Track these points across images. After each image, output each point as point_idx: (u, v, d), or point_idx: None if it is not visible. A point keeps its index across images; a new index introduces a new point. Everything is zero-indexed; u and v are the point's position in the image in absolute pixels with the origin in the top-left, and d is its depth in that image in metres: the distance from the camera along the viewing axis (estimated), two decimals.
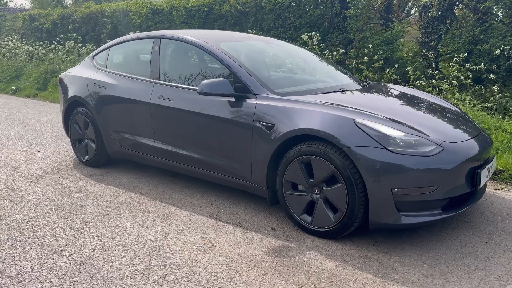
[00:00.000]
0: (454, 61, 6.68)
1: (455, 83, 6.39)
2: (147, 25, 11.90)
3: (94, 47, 12.01)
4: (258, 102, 3.33)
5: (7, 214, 3.59)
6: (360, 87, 3.94)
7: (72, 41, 12.24)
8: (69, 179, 4.46)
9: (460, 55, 6.67)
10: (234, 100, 3.46)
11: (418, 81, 6.97)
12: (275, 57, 4.29)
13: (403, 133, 2.88)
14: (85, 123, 4.76)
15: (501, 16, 7.21)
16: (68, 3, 35.24)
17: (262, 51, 4.25)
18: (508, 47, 6.57)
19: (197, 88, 3.69)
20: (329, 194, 2.97)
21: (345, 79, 4.10)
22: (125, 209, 3.69)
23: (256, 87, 3.41)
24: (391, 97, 3.87)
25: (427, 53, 7.62)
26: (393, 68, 7.70)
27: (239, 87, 3.46)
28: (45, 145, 5.81)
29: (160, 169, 4.66)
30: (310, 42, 8.03)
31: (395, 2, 8.74)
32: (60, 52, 11.51)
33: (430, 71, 7.19)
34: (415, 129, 2.98)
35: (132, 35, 4.64)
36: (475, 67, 6.71)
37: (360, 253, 2.91)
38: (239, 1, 9.88)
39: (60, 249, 3.01)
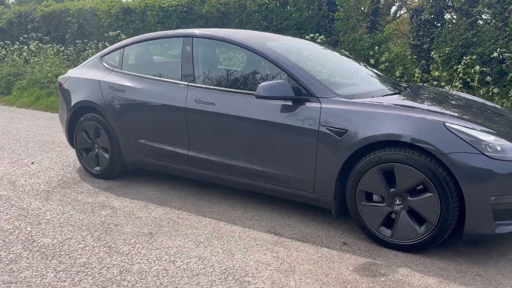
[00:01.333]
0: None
1: (458, 85, 6.44)
2: (117, 25, 11.25)
3: (63, 48, 11.20)
4: (323, 105, 3.06)
5: (30, 238, 3.10)
6: (409, 90, 3.78)
7: (37, 41, 11.33)
8: (84, 194, 3.97)
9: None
10: (291, 104, 3.18)
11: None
12: (313, 58, 4.04)
13: (493, 138, 2.73)
14: (97, 131, 4.28)
15: (488, 20, 7.39)
16: (10, 2, 33.06)
17: (306, 52, 3.98)
18: (503, 50, 6.72)
19: (244, 91, 3.41)
20: (416, 204, 2.77)
21: (384, 82, 3.92)
22: (167, 226, 3.30)
23: (318, 90, 3.15)
24: (450, 100, 3.69)
25: (419, 55, 7.68)
26: (382, 71, 7.69)
27: (296, 90, 3.18)
28: (36, 155, 5.22)
29: (185, 180, 4.28)
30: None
31: (381, 5, 8.79)
32: (25, 54, 10.61)
33: (419, 73, 7.24)
34: (496, 134, 2.84)
35: (151, 34, 4.22)
36: (470, 69, 6.82)
37: (453, 266, 2.72)
38: (221, 1, 9.54)
39: (117, 278, 2.59)
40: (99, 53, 4.57)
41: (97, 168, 4.37)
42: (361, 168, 2.90)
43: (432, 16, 7.66)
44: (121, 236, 3.13)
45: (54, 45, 11.22)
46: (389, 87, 3.65)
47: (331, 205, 3.12)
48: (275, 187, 3.36)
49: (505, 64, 6.73)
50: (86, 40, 11.08)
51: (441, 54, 7.44)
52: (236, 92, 3.48)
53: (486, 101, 3.93)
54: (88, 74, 4.41)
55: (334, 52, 4.42)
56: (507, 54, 6.74)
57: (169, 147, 3.83)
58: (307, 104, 3.13)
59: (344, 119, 2.96)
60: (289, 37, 4.45)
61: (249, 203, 3.74)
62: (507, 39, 6.85)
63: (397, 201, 2.84)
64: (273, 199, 3.77)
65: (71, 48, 11.03)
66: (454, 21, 7.39)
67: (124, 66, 4.24)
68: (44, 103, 8.74)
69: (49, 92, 9.12)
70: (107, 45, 9.45)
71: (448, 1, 7.43)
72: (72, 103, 4.39)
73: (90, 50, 10.46)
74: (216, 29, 4.19)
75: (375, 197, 2.94)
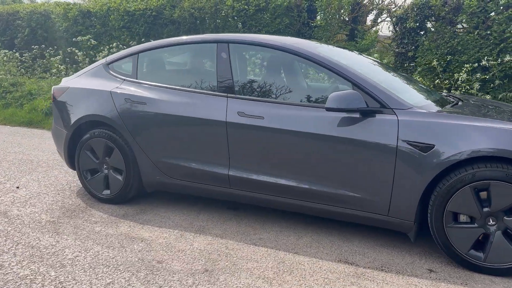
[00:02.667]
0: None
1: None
2: (76, 30, 10.41)
3: (17, 54, 10.14)
4: (401, 118, 2.77)
5: (60, 286, 2.52)
6: (457, 99, 3.59)
7: None
8: (99, 224, 3.40)
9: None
10: (358, 116, 2.86)
11: None
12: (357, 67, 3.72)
13: None
14: (107, 149, 3.70)
15: (469, 29, 7.54)
16: None
17: (348, 60, 3.67)
18: (490, 58, 6.85)
19: (298, 103, 3.06)
20: None
21: (429, 91, 3.70)
22: (221, 259, 2.84)
23: (391, 100, 2.85)
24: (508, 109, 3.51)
25: (403, 63, 7.70)
26: None
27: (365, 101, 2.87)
28: (18, 178, 4.50)
29: (210, 202, 3.82)
30: None
31: (361, 13, 8.75)
32: None
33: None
34: None
35: (172, 39, 3.72)
36: (457, 75, 6.90)
37: None
38: (194, 6, 9.07)
39: None
40: (102, 61, 3.99)
41: (107, 192, 3.79)
42: (451, 186, 2.63)
43: (417, 24, 7.70)
44: (173, 276, 2.63)
45: (6, 51, 10.15)
46: (443, 97, 3.44)
47: (409, 228, 2.83)
48: (336, 209, 3.01)
49: (491, 73, 6.85)
50: (43, 46, 10.12)
51: (427, 62, 7.49)
52: (289, 104, 3.10)
53: None
54: (92, 84, 3.83)
55: (368, 58, 4.13)
56: (492, 62, 6.88)
57: (203, 166, 3.36)
58: (378, 116, 2.83)
59: (430, 133, 2.68)
60: (323, 44, 4.12)
61: (296, 226, 3.37)
62: (491, 47, 7.00)
63: (491, 221, 2.60)
64: (331, 222, 3.43)
65: (26, 54, 10.01)
66: (438, 29, 7.46)
67: (140, 75, 3.71)
68: (2, 116, 7.78)
69: (6, 103, 8.15)
70: (76, 51, 8.63)
71: (433, 10, 7.50)
72: (75, 118, 3.78)
73: (50, 57, 9.54)
74: (250, 34, 3.78)
75: (462, 218, 2.69)
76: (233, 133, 3.19)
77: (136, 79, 3.70)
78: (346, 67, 3.02)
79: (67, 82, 4.04)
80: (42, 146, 5.94)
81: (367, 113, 2.85)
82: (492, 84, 6.89)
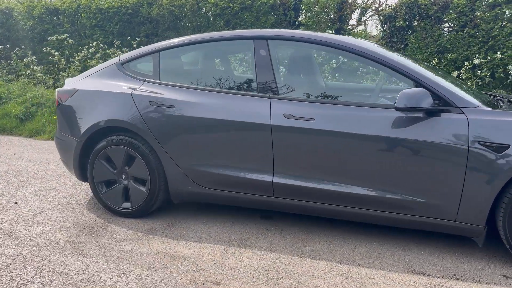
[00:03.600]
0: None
1: None
2: (42, 29, 9.72)
3: None
4: (470, 117, 2.61)
5: None
6: (502, 98, 3.51)
7: None
8: (128, 241, 3.04)
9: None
10: (422, 115, 2.69)
11: None
12: None
13: None
14: (127, 158, 3.34)
15: (455, 28, 7.64)
16: None
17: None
18: (480, 56, 6.96)
19: (352, 102, 2.85)
20: None
21: (474, 90, 3.59)
22: (282, 277, 2.57)
23: (458, 99, 2.69)
24: None
25: None
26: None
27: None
28: (13, 192, 4.01)
29: (241, 211, 3.54)
30: None
31: (347, 12, 8.69)
32: None
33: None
34: None
35: (198, 36, 3.40)
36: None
37: None
38: (174, 3, 8.67)
39: None
40: (114, 60, 3.61)
41: (127, 205, 3.42)
42: None
43: (407, 23, 7.71)
44: None
45: None
46: (487, 95, 3.34)
47: (479, 233, 2.69)
48: (397, 216, 2.83)
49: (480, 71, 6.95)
50: (7, 46, 9.36)
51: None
52: (342, 104, 2.88)
53: None
54: (106, 86, 3.44)
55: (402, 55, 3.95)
56: (481, 60, 6.99)
57: (243, 173, 3.08)
58: (445, 116, 2.66)
59: (504, 132, 2.55)
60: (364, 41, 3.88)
61: (344, 236, 3.15)
62: (479, 46, 7.12)
63: None
64: (369, 229, 3.24)
65: None
66: (426, 27, 7.51)
67: (164, 76, 3.37)
68: None
69: None
70: (53, 51, 8.00)
71: (422, 8, 7.53)
72: (88, 124, 3.38)
73: (17, 59, 8.83)
74: (289, 29, 3.52)
75: None
76: (279, 137, 2.93)
77: (159, 80, 3.35)
78: (406, 64, 2.84)
79: (74, 84, 3.62)
80: (26, 155, 5.41)
81: (432, 113, 2.68)
82: (480, 82, 7.00)
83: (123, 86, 3.38)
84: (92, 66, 7.66)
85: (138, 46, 8.29)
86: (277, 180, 3.01)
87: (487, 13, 7.02)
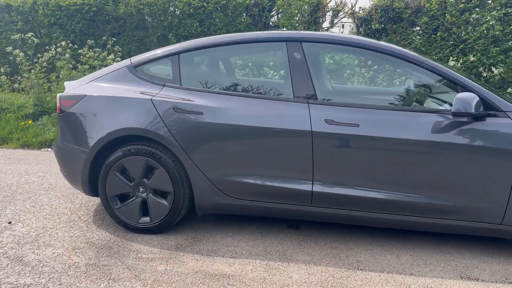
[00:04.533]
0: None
1: None
2: None
3: None
4: None
5: None
6: None
7: None
8: (158, 261, 2.78)
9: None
10: (466, 120, 2.67)
11: None
12: None
13: None
14: (146, 169, 3.07)
15: (425, 31, 7.89)
16: None
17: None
18: (454, 59, 7.23)
19: (397, 106, 2.80)
20: None
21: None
22: None
23: (502, 103, 2.70)
24: None
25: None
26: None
27: None
28: (1, 210, 3.59)
29: (264, 221, 3.38)
30: None
31: (321, 13, 8.70)
32: None
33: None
34: None
35: (223, 37, 3.18)
36: None
37: None
38: (143, 2, 8.28)
39: None
40: (125, 62, 3.31)
41: (145, 220, 3.14)
42: None
43: (382, 25, 7.85)
44: None
45: None
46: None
47: None
48: (443, 222, 2.80)
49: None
50: None
51: None
52: (388, 109, 2.81)
53: None
54: (120, 91, 3.14)
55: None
56: (455, 62, 7.27)
57: (278, 182, 2.91)
58: (490, 120, 2.66)
59: None
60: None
61: (384, 244, 3.08)
62: (451, 48, 7.39)
63: None
64: (400, 234, 3.20)
65: None
66: (400, 30, 7.69)
67: (185, 80, 3.13)
68: None
69: None
70: (17, 51, 7.31)
71: (396, 11, 7.69)
72: (101, 134, 3.06)
73: None
74: (323, 32, 3.39)
75: None
76: (320, 144, 2.81)
77: (180, 84, 3.11)
78: (450, 69, 2.81)
79: (80, 88, 3.28)
80: None
81: (479, 117, 2.66)
82: None
83: (140, 91, 3.10)
84: (61, 68, 7.11)
85: (113, 46, 7.81)
86: (317, 188, 2.88)
87: (457, 18, 7.29)
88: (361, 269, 2.71)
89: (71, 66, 7.26)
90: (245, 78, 3.26)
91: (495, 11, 7.08)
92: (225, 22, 8.08)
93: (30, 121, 6.33)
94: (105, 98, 3.13)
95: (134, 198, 3.13)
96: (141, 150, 3.03)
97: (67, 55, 6.75)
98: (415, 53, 3.01)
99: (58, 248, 2.93)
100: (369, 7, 8.00)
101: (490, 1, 7.33)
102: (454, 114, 2.59)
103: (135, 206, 3.13)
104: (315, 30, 8.74)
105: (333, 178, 2.85)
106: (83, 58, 7.32)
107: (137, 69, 3.23)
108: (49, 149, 5.85)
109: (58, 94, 3.31)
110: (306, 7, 8.29)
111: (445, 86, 2.91)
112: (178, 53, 3.17)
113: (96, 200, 3.79)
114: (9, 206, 3.66)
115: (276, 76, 2.99)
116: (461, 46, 7.26)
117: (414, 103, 3.01)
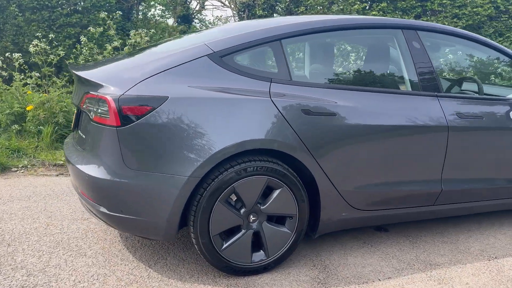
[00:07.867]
0: None
1: None
2: None
3: None
4: None
5: None
6: None
7: None
8: None
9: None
10: None
11: None
12: None
13: None
14: (264, 191, 2.37)
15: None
16: None
17: None
18: None
19: None
20: None
21: None
22: None
23: None
24: None
25: None
26: None
27: None
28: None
29: (361, 230, 3.06)
30: None
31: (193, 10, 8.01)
32: None
33: None
34: None
35: (325, 19, 2.61)
36: None
37: None
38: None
39: None
40: (202, 49, 2.38)
41: (259, 256, 2.44)
42: None
43: (265, 12, 7.85)
44: None
45: None
46: None
47: None
48: None
49: None
50: None
51: None
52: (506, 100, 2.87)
53: None
54: (216, 89, 2.30)
55: None
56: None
57: (414, 185, 2.67)
58: None
59: None
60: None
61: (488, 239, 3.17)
62: None
63: None
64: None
65: None
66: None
67: (295, 73, 2.50)
68: None
69: None
70: None
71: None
72: (209, 152, 2.16)
73: None
74: (434, 23, 3.12)
75: None
76: (454, 139, 2.67)
77: (290, 78, 2.46)
78: None
79: (146, 88, 2.22)
80: None
81: None
82: None
83: (242, 89, 2.33)
84: None
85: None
86: (445, 187, 2.75)
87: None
88: (463, 262, 2.72)
89: None
90: (362, 70, 2.83)
91: None
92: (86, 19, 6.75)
93: None
94: (201, 101, 2.23)
95: (245, 230, 2.38)
96: (260, 167, 2.30)
97: None
98: None
99: None
100: None
101: None
102: None
103: (246, 241, 2.39)
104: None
105: (457, 174, 2.77)
106: None
107: (223, 59, 2.40)
108: None
109: (110, 97, 2.19)
110: None
111: None
112: (279, 38, 2.49)
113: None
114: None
115: (396, 67, 2.68)
116: None
117: None
